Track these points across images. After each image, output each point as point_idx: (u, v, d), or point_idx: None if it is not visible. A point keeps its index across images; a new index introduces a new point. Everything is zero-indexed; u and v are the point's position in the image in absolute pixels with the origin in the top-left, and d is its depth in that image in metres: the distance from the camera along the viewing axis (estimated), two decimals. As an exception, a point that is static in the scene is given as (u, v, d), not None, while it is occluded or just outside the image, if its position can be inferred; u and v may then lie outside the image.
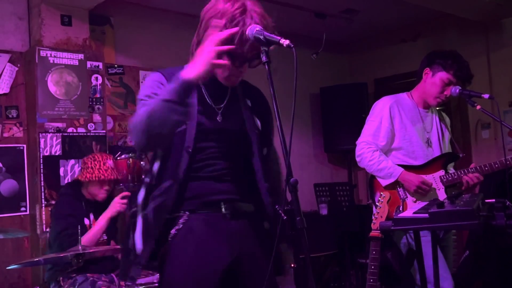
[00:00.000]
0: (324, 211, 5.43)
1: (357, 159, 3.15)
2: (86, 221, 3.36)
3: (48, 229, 3.68)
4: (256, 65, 1.92)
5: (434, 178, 3.05)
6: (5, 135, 3.96)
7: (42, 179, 3.86)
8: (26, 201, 3.99)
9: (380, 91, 6.15)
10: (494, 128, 5.27)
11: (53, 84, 3.95)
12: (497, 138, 5.21)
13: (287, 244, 2.20)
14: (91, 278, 3.16)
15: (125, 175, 3.80)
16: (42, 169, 3.86)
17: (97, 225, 3.25)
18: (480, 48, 5.37)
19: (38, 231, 3.83)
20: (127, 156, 3.95)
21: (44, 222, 3.80)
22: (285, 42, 1.74)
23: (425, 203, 2.49)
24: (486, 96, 2.99)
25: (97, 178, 3.33)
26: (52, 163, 3.90)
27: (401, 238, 3.03)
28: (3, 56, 4.00)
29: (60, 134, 3.96)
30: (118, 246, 3.19)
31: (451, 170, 3.19)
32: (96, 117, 4.17)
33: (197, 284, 1.88)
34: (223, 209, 1.98)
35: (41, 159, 3.87)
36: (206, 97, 1.98)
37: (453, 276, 2.95)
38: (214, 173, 1.97)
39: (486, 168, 2.98)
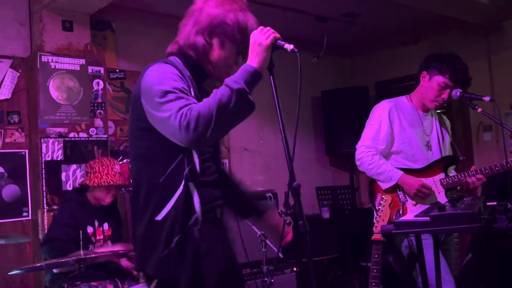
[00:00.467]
0: (326, 215, 5.43)
1: (357, 163, 3.16)
2: (90, 229, 3.36)
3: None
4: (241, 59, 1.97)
5: (434, 181, 3.05)
6: (7, 140, 3.97)
7: (44, 184, 3.86)
8: (28, 206, 4.00)
9: (381, 94, 6.15)
10: (495, 131, 5.26)
11: (55, 89, 3.96)
12: (499, 141, 5.20)
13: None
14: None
15: (127, 179, 3.80)
16: (44, 174, 3.87)
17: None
18: (481, 50, 5.37)
19: (40, 236, 3.83)
20: (128, 160, 3.96)
21: (46, 227, 3.80)
22: (289, 47, 1.77)
23: (425, 206, 2.49)
24: (487, 98, 2.98)
25: (106, 183, 3.33)
26: (54, 168, 3.91)
27: (402, 241, 3.03)
28: (5, 61, 4.01)
29: (62, 139, 3.96)
30: (121, 251, 3.19)
31: (452, 173, 3.19)
32: (98, 122, 4.18)
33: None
34: (218, 215, 1.96)
35: (43, 164, 3.87)
36: (199, 96, 1.93)
37: (455, 279, 2.94)
38: (211, 178, 1.94)
39: (487, 171, 2.98)
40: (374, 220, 2.66)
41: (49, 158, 3.90)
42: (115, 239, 3.51)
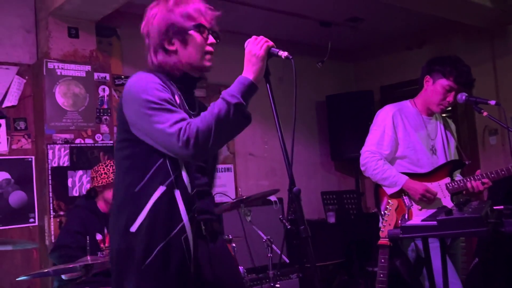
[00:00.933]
0: (331, 219, 5.42)
1: (362, 168, 3.16)
2: (99, 236, 3.37)
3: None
4: (216, 37, 1.99)
5: (440, 186, 3.05)
6: (14, 147, 3.99)
7: (50, 190, 3.88)
8: (34, 212, 4.01)
9: (386, 98, 6.15)
10: (501, 134, 5.25)
11: (61, 96, 3.98)
12: (505, 144, 5.19)
13: None
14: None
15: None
16: (50, 180, 3.88)
17: None
18: (486, 54, 5.37)
19: (47, 242, 3.84)
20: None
21: (52, 233, 3.82)
22: (283, 54, 1.78)
23: (431, 211, 2.49)
24: (492, 102, 2.98)
25: (113, 180, 3.34)
26: (60, 174, 3.93)
27: (409, 246, 3.02)
28: (11, 68, 4.04)
29: (68, 145, 3.98)
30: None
31: (457, 177, 3.18)
32: (104, 128, 4.20)
33: None
34: (203, 231, 1.90)
35: (49, 171, 3.89)
36: (184, 102, 1.91)
37: (462, 284, 2.93)
38: (198, 189, 1.88)
39: (493, 175, 2.97)
40: (381, 225, 2.66)
41: (56, 164, 3.92)
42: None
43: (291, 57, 1.76)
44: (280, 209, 5.07)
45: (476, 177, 2.98)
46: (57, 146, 3.94)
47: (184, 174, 1.80)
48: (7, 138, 3.96)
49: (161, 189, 1.76)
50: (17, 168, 3.97)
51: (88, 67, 4.14)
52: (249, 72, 1.78)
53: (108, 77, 4.27)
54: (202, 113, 1.74)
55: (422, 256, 2.71)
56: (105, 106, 4.22)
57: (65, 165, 3.96)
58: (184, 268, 1.76)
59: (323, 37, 5.59)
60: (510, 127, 3.04)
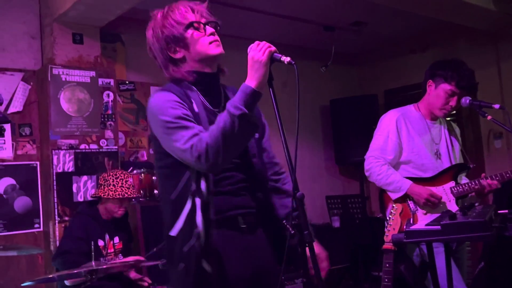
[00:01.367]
0: (336, 224, 5.41)
1: (366, 173, 3.15)
2: (101, 242, 3.38)
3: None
4: (215, 26, 2.03)
5: (445, 190, 3.04)
6: (19, 152, 4.01)
7: (55, 196, 3.89)
8: (39, 217, 4.02)
9: (390, 102, 6.15)
10: (506, 138, 5.24)
11: (66, 102, 4.00)
12: (510, 148, 5.18)
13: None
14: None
15: (137, 190, 3.82)
16: (55, 186, 3.90)
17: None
18: (490, 58, 5.36)
19: (52, 248, 3.85)
20: (139, 171, 3.99)
21: (57, 238, 3.83)
22: (286, 59, 1.78)
23: (436, 215, 2.48)
24: (496, 106, 2.97)
25: (120, 196, 3.34)
26: (65, 179, 3.94)
27: (413, 250, 3.01)
28: (16, 75, 4.06)
29: (73, 150, 3.99)
30: (132, 262, 3.20)
31: (463, 180, 3.17)
32: (108, 133, 4.21)
33: None
34: (241, 224, 1.97)
35: (54, 176, 3.90)
36: (206, 102, 1.99)
37: (468, 288, 2.92)
38: (231, 187, 1.96)
39: (498, 178, 2.96)
40: (385, 229, 2.65)
41: (60, 170, 3.93)
42: (126, 252, 3.52)
43: (293, 62, 1.76)
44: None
45: (484, 179, 2.97)
46: (62, 152, 3.95)
47: (202, 183, 1.88)
48: (12, 144, 3.98)
49: (190, 198, 1.88)
50: (22, 173, 3.99)
51: (92, 73, 4.16)
52: (251, 79, 1.79)
53: (112, 83, 4.28)
54: (210, 127, 1.80)
55: (427, 260, 2.71)
56: (110, 112, 4.23)
57: (69, 170, 3.97)
58: (202, 272, 1.85)
59: (327, 41, 5.60)
60: (515, 130, 3.03)
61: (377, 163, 3.07)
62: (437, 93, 3.07)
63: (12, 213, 3.92)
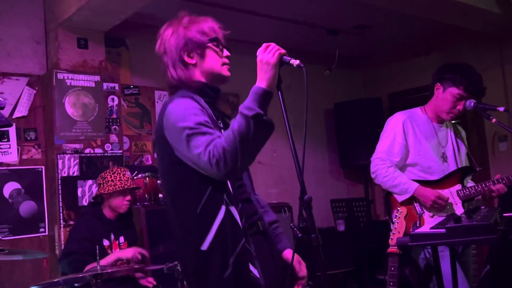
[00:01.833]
0: (341, 227, 5.41)
1: (372, 175, 3.14)
2: (106, 242, 3.38)
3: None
4: (226, 52, 2.05)
5: (451, 193, 3.03)
6: (24, 157, 4.02)
7: (60, 200, 3.90)
8: (45, 222, 4.03)
9: (394, 105, 6.14)
10: (511, 141, 5.22)
11: (70, 106, 4.02)
12: (515, 151, 5.17)
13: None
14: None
15: (142, 194, 3.83)
16: (60, 190, 3.91)
17: (105, 260, 3.24)
18: (495, 60, 5.35)
19: (57, 252, 3.86)
20: (143, 175, 3.99)
21: (62, 242, 3.83)
22: (295, 62, 1.79)
23: (442, 218, 2.47)
24: (501, 109, 2.97)
25: (120, 188, 3.37)
26: (70, 184, 3.95)
27: (419, 254, 3.00)
28: (22, 79, 4.08)
29: (78, 155, 4.01)
30: (137, 266, 3.20)
31: (469, 183, 3.16)
32: (113, 138, 4.22)
33: None
34: (260, 227, 2.03)
35: (59, 180, 3.92)
36: (212, 115, 1.95)
37: (473, 291, 2.91)
38: (246, 195, 2.01)
39: (504, 181, 2.95)
40: (390, 233, 2.65)
41: (65, 174, 3.94)
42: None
43: (302, 65, 1.76)
44: (289, 217, 5.06)
45: (496, 181, 2.96)
46: (66, 156, 3.96)
47: (230, 190, 1.87)
48: (18, 149, 3.99)
49: (223, 209, 1.84)
50: (27, 178, 4.00)
51: (97, 77, 4.17)
52: (262, 80, 1.79)
53: (117, 87, 4.30)
54: (225, 132, 1.77)
55: (432, 264, 2.70)
56: (114, 116, 4.25)
57: (74, 174, 3.98)
58: (251, 277, 1.85)
59: (331, 45, 5.60)
60: (519, 133, 3.02)
61: (383, 165, 3.07)
62: (445, 96, 3.06)
63: (17, 218, 3.93)
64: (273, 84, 1.79)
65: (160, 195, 3.94)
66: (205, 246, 1.82)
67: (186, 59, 1.97)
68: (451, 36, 5.66)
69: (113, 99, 4.26)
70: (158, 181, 3.99)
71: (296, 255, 2.14)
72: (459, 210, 2.99)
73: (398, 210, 2.72)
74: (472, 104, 3.00)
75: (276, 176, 5.69)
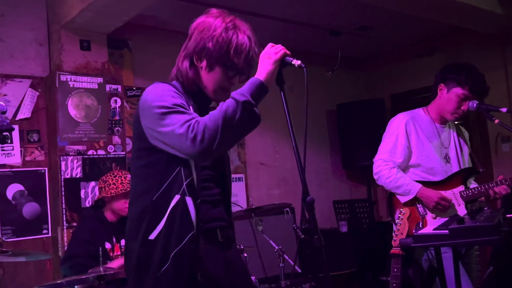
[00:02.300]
0: (344, 229, 5.40)
1: (375, 177, 3.14)
2: (108, 245, 3.39)
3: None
4: (243, 81, 1.93)
5: (454, 194, 3.02)
6: (27, 158, 4.03)
7: (63, 202, 3.91)
8: (48, 223, 4.04)
9: (397, 106, 6.14)
10: (514, 142, 5.21)
11: (73, 108, 4.02)
12: (518, 152, 5.15)
13: None
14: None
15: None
16: (63, 192, 3.92)
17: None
18: (498, 61, 5.34)
19: (60, 253, 3.87)
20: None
21: (65, 244, 3.84)
22: (296, 62, 1.79)
23: (445, 219, 2.47)
24: (504, 110, 2.97)
25: (122, 191, 3.37)
26: (73, 185, 3.96)
27: (422, 255, 3.00)
28: (25, 81, 4.09)
29: (81, 156, 4.01)
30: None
31: (472, 184, 3.16)
32: (116, 139, 4.23)
33: None
34: (219, 237, 1.93)
35: (62, 182, 3.92)
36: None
37: (477, 293, 2.90)
38: (210, 198, 1.91)
39: (507, 182, 2.95)
40: (393, 234, 2.65)
41: (68, 176, 3.95)
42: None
43: (304, 65, 1.76)
44: (292, 219, 5.06)
45: (499, 182, 2.95)
46: (69, 158, 3.97)
47: (195, 181, 1.82)
48: (21, 150, 4.00)
49: (176, 198, 1.79)
50: (30, 179, 4.01)
51: (100, 79, 4.18)
52: (261, 73, 1.78)
53: (120, 89, 4.31)
54: (211, 112, 1.74)
55: (435, 265, 2.70)
56: (117, 118, 4.25)
57: (77, 176, 3.99)
58: (193, 276, 1.79)
59: (333, 46, 5.61)
60: (522, 134, 3.02)
61: (386, 166, 3.06)
62: (449, 97, 3.06)
63: (21, 219, 3.93)
64: (271, 79, 1.78)
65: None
66: (153, 235, 1.78)
67: (195, 60, 1.92)
68: (453, 37, 5.66)
69: (115, 101, 4.27)
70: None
71: None
72: (462, 211, 2.98)
73: (401, 211, 2.71)
74: (475, 105, 3.00)
75: (278, 177, 5.69)
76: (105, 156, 4.13)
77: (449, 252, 2.66)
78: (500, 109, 2.98)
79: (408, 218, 2.68)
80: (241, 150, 5.35)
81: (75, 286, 3.10)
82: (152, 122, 1.78)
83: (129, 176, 3.53)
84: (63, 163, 3.93)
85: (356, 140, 5.87)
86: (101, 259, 2.90)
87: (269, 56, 1.79)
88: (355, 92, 6.51)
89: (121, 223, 3.50)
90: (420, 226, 2.96)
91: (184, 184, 1.80)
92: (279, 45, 1.83)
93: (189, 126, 1.69)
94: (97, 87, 4.16)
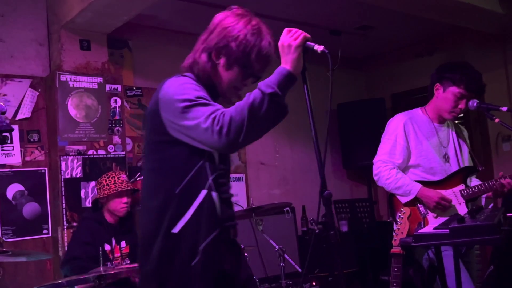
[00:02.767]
0: (344, 228, 5.40)
1: (375, 178, 3.14)
2: (107, 247, 3.39)
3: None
4: (252, 83, 1.94)
5: (454, 193, 3.02)
6: (27, 158, 4.03)
7: (63, 202, 3.91)
8: (48, 223, 4.04)
9: (397, 106, 6.13)
10: (515, 141, 5.21)
11: (73, 108, 4.02)
12: (519, 151, 5.15)
13: None
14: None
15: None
16: (63, 192, 3.91)
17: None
18: (498, 60, 5.33)
19: (61, 253, 3.87)
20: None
21: (66, 244, 3.84)
22: (319, 48, 1.75)
23: (446, 218, 2.47)
24: (504, 109, 2.96)
25: (115, 190, 3.39)
26: (73, 185, 3.96)
27: (423, 254, 3.00)
28: (25, 81, 4.09)
29: (81, 156, 4.01)
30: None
31: (473, 182, 3.15)
32: (116, 139, 4.23)
33: None
34: (231, 235, 1.93)
35: (63, 182, 3.92)
36: None
37: (477, 292, 2.90)
38: (227, 195, 1.90)
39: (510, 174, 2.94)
40: (393, 233, 2.65)
41: (69, 176, 3.95)
42: (133, 257, 3.52)
43: (327, 51, 1.72)
44: (292, 218, 5.05)
45: (496, 181, 2.95)
46: (70, 158, 3.97)
47: (218, 176, 1.82)
48: (21, 150, 4.00)
49: (203, 193, 1.78)
50: (30, 179, 4.01)
51: (100, 79, 4.18)
52: (286, 62, 1.74)
53: (120, 89, 4.30)
54: (237, 103, 1.71)
55: (436, 264, 2.69)
56: (117, 117, 4.25)
57: (78, 176, 3.99)
58: (221, 270, 1.80)
59: (333, 45, 5.59)
60: (523, 133, 3.02)
61: (385, 167, 3.06)
62: (446, 96, 3.06)
63: (21, 219, 3.93)
64: (298, 67, 1.75)
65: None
66: (176, 229, 1.76)
67: (213, 55, 1.88)
68: (454, 37, 5.65)
69: (115, 101, 4.26)
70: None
71: None
72: (462, 210, 2.98)
73: (401, 211, 2.71)
74: (475, 104, 3.00)
75: (279, 177, 5.68)
76: (105, 156, 4.13)
77: (449, 251, 2.65)
78: (501, 108, 2.97)
79: (409, 217, 2.68)
80: (241, 149, 5.35)
81: (75, 286, 3.10)
82: (175, 115, 1.74)
83: (123, 176, 3.54)
84: (63, 163, 3.93)
85: (357, 139, 5.86)
86: (101, 259, 2.90)
87: (289, 44, 1.75)
88: (355, 92, 6.50)
89: (120, 224, 3.51)
90: (422, 225, 2.97)
91: (210, 179, 1.79)
92: (296, 29, 1.78)
93: (214, 118, 1.66)
94: (97, 87, 4.16)
